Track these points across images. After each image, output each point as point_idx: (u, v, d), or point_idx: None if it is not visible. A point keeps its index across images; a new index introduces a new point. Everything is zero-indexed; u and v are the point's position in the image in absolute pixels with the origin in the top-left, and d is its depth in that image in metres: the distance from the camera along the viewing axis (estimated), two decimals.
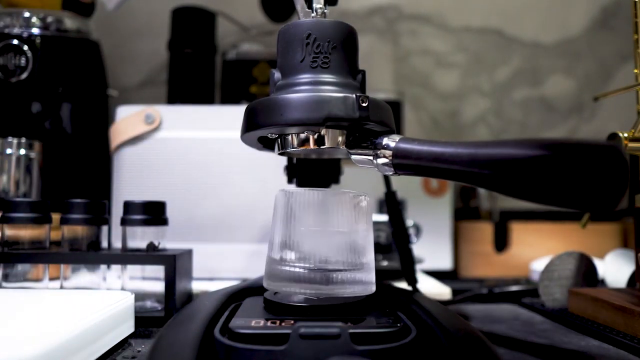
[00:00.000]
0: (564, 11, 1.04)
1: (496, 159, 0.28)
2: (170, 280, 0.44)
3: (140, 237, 0.46)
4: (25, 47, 0.68)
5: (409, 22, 1.03)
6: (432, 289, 0.55)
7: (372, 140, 0.35)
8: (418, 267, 0.58)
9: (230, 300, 0.38)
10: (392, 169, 0.34)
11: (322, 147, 0.35)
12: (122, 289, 0.47)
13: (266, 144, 0.40)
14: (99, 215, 0.47)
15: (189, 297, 0.49)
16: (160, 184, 0.60)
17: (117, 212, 0.59)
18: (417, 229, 0.74)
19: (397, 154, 0.33)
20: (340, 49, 0.36)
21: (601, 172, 0.25)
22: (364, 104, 0.33)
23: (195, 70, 0.83)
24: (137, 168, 0.60)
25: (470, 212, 0.89)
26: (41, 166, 0.65)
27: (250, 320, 0.31)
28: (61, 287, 0.46)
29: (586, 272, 0.53)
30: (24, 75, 0.68)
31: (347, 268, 0.33)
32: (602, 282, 0.59)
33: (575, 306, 0.49)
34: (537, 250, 0.82)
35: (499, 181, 0.28)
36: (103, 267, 0.47)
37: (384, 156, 0.34)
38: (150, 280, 0.47)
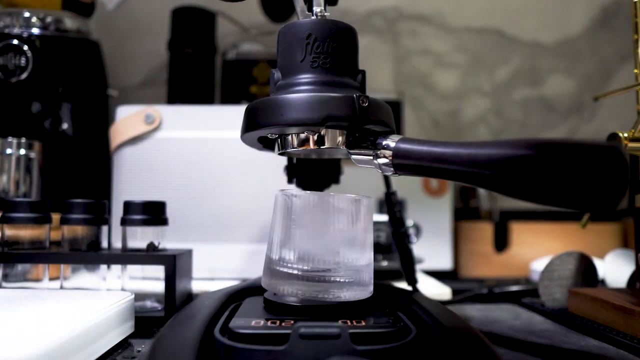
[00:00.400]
0: (564, 11, 1.04)
1: (496, 159, 0.28)
2: (170, 280, 0.44)
3: (140, 237, 0.46)
4: (25, 47, 0.68)
5: (409, 22, 1.03)
6: (432, 289, 0.55)
7: (372, 140, 0.35)
8: (418, 267, 0.58)
9: (230, 300, 0.38)
10: (392, 169, 0.34)
11: (322, 147, 0.35)
12: (122, 289, 0.47)
13: (266, 144, 0.40)
14: (99, 215, 0.46)
15: (189, 297, 0.49)
16: (160, 184, 0.60)
17: (117, 212, 0.59)
18: (417, 229, 0.74)
19: (397, 154, 0.33)
20: (341, 49, 0.36)
21: (601, 172, 0.25)
22: (364, 104, 0.33)
23: (195, 70, 0.83)
24: (137, 168, 0.61)
25: (470, 212, 0.89)
26: (41, 166, 0.65)
27: (250, 320, 0.31)
28: (61, 287, 0.46)
29: (586, 272, 0.53)
30: (24, 75, 0.68)
31: (346, 272, 0.33)
32: (602, 282, 0.59)
33: (575, 306, 0.49)
34: (537, 250, 0.82)
35: (498, 181, 0.28)
36: (103, 267, 0.47)
37: (384, 156, 0.34)
38: (150, 280, 0.47)
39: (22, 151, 0.63)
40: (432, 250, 0.80)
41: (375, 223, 0.63)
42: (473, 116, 1.03)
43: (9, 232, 0.46)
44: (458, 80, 1.03)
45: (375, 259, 0.61)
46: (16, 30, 0.69)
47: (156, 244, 0.46)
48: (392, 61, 1.02)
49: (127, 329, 0.38)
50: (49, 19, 0.70)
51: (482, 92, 1.03)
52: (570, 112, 1.04)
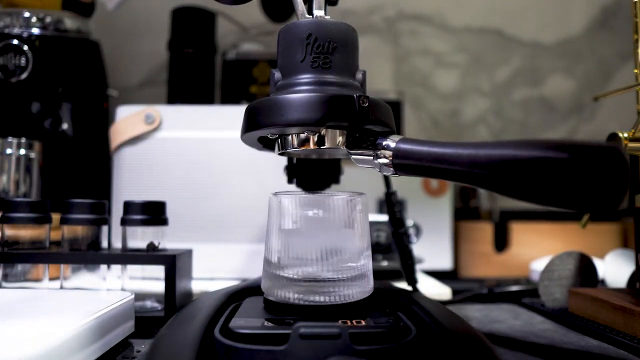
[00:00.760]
0: (564, 11, 1.04)
1: (496, 160, 0.28)
2: (170, 280, 0.44)
3: (140, 237, 0.46)
4: (25, 47, 0.68)
5: (409, 22, 1.03)
6: (432, 289, 0.55)
7: (372, 140, 0.35)
8: (418, 267, 0.58)
9: (230, 300, 0.38)
10: (392, 170, 0.34)
11: (322, 147, 0.35)
12: (122, 289, 0.47)
13: (266, 144, 0.40)
14: (99, 215, 0.46)
15: (189, 297, 0.49)
16: (160, 184, 0.60)
17: (117, 212, 0.59)
18: (417, 229, 0.74)
19: (398, 154, 0.33)
20: (341, 49, 0.36)
21: (602, 173, 0.25)
22: (364, 104, 0.33)
23: (195, 70, 0.83)
24: (137, 168, 0.61)
25: (470, 212, 0.89)
26: (41, 166, 0.65)
27: (250, 320, 0.31)
28: (61, 287, 0.46)
29: (586, 272, 0.53)
30: (24, 75, 0.68)
31: (344, 271, 0.33)
32: (602, 282, 0.59)
33: (575, 306, 0.49)
34: (537, 250, 0.82)
35: (499, 182, 0.28)
36: (103, 267, 0.47)
37: (384, 156, 0.34)
38: (150, 280, 0.47)
39: (22, 151, 0.63)
40: (432, 250, 0.80)
41: (375, 223, 0.63)
42: (473, 116, 1.03)
43: (9, 232, 0.46)
44: (458, 80, 1.03)
45: (375, 259, 0.62)
46: (16, 30, 0.69)
47: (156, 244, 0.46)
48: (392, 61, 1.02)
49: (127, 329, 0.38)
50: (49, 19, 0.70)
51: (482, 92, 1.03)
52: (570, 112, 1.04)
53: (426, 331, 0.31)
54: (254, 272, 0.57)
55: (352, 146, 0.36)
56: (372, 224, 0.63)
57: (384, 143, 0.34)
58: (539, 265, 0.71)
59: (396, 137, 0.34)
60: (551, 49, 1.04)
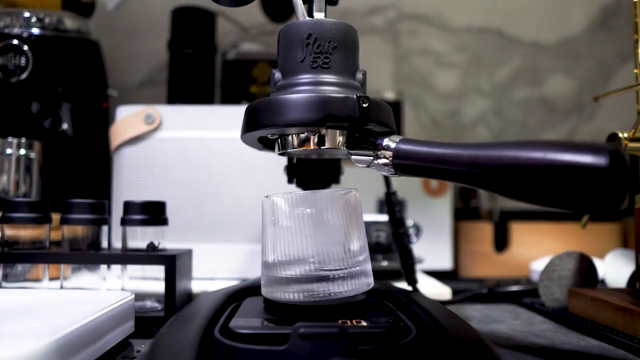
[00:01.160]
0: (564, 11, 1.04)
1: (496, 161, 0.28)
2: (170, 280, 0.44)
3: (140, 237, 0.46)
4: (25, 47, 0.68)
5: (409, 22, 1.03)
6: (432, 289, 0.55)
7: (372, 140, 0.35)
8: (418, 267, 0.58)
9: (230, 300, 0.38)
10: (393, 170, 0.34)
11: (322, 147, 0.35)
12: (122, 289, 0.47)
13: (266, 144, 0.40)
14: (99, 215, 0.46)
15: (189, 297, 0.49)
16: (160, 184, 0.60)
17: (117, 212, 0.59)
18: (417, 229, 0.74)
19: (398, 154, 0.33)
20: (341, 49, 0.36)
21: (602, 175, 0.25)
22: (364, 105, 0.33)
23: (195, 70, 0.83)
24: (137, 168, 0.61)
25: (470, 212, 0.89)
26: (41, 166, 0.65)
27: (250, 320, 0.31)
28: (61, 287, 0.46)
29: (586, 272, 0.53)
30: (24, 75, 0.68)
31: (342, 267, 0.33)
32: (602, 282, 0.59)
33: (575, 306, 0.49)
34: (537, 250, 0.82)
35: (499, 183, 0.28)
36: (103, 267, 0.47)
37: (385, 157, 0.34)
38: (150, 280, 0.47)
39: (22, 151, 0.63)
40: (432, 250, 0.80)
41: (375, 223, 0.63)
42: (473, 116, 1.03)
43: (9, 232, 0.46)
44: (458, 80, 1.03)
45: (375, 259, 0.62)
46: (16, 30, 0.69)
47: (156, 244, 0.46)
48: (392, 61, 1.02)
49: (127, 329, 0.38)
50: (49, 19, 0.70)
51: (482, 92, 1.03)
52: (570, 112, 1.04)
53: (426, 331, 0.31)
54: (254, 272, 0.57)
55: (352, 146, 0.36)
56: (372, 224, 0.63)
57: (384, 143, 0.34)
58: (539, 265, 0.71)
59: (396, 138, 0.34)
60: (551, 49, 1.04)
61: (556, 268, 0.52)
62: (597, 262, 0.55)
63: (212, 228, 0.60)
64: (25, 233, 0.46)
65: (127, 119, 0.61)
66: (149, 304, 0.47)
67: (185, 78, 0.83)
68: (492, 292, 0.58)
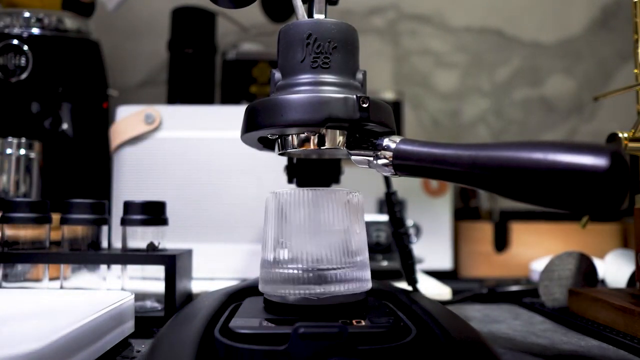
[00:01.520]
0: (564, 11, 1.04)
1: (497, 162, 0.28)
2: (170, 280, 0.44)
3: (140, 237, 0.46)
4: (25, 47, 0.68)
5: (409, 22, 1.03)
6: (432, 289, 0.55)
7: (372, 141, 0.35)
8: (418, 267, 0.58)
9: (230, 300, 0.38)
10: (392, 170, 0.34)
11: (322, 147, 0.35)
12: (122, 289, 0.47)
13: (266, 144, 0.40)
14: (99, 215, 0.47)
15: (189, 297, 0.49)
16: (160, 184, 0.60)
17: (117, 212, 0.59)
18: (417, 229, 0.74)
19: (398, 155, 0.33)
20: (341, 49, 0.36)
21: (602, 176, 0.25)
22: (364, 105, 0.33)
23: (195, 70, 0.83)
24: (137, 168, 0.61)
25: (470, 212, 0.89)
26: (41, 166, 0.65)
27: (250, 320, 0.31)
28: (61, 287, 0.46)
29: (586, 272, 0.53)
30: (24, 75, 0.68)
31: (341, 266, 0.33)
32: (602, 282, 0.59)
33: (575, 306, 0.49)
34: (537, 250, 0.82)
35: (499, 184, 0.28)
36: (103, 267, 0.47)
37: (385, 157, 0.34)
38: (150, 280, 0.47)
39: (22, 151, 0.63)
40: (432, 250, 0.80)
41: (375, 223, 0.63)
42: (473, 116, 1.03)
43: (9, 232, 0.46)
44: (458, 80, 1.03)
45: (375, 259, 0.62)
46: (16, 30, 0.69)
47: (156, 244, 0.46)
48: (392, 61, 1.02)
49: (127, 329, 0.38)
50: (49, 19, 0.70)
51: (482, 92, 1.03)
52: (570, 112, 1.04)
53: (426, 331, 0.31)
54: (254, 272, 0.57)
55: (352, 146, 0.36)
56: (372, 224, 0.63)
57: (384, 144, 0.34)
58: (539, 265, 0.71)
59: (396, 138, 0.34)
60: (551, 49, 1.04)
61: (556, 268, 0.52)
62: (597, 262, 0.55)
63: (212, 228, 0.60)
64: (25, 233, 0.46)
65: (127, 119, 0.61)
66: (149, 304, 0.47)
67: (185, 78, 0.83)
68: (492, 292, 0.58)
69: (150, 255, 0.45)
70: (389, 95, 0.90)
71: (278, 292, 0.33)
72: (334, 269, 0.33)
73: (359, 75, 0.37)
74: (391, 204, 0.48)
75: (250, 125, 0.36)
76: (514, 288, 0.59)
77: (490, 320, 0.49)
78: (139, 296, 0.46)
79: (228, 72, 0.85)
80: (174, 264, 0.44)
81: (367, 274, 0.35)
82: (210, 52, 0.85)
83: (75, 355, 0.30)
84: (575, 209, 0.26)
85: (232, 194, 0.60)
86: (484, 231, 0.85)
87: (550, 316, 0.49)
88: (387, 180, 0.48)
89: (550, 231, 0.84)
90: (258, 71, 0.83)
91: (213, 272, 0.59)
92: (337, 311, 0.33)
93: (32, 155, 0.64)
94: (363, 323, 0.31)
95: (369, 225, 0.62)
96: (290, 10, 0.83)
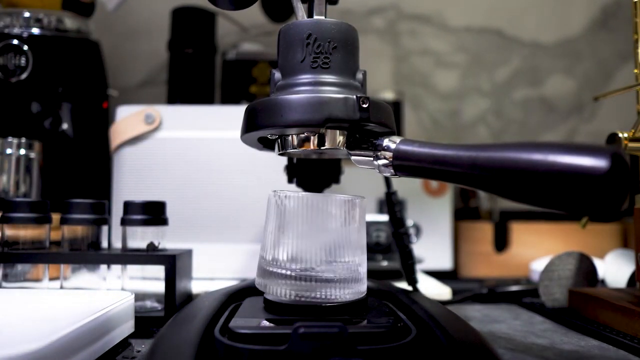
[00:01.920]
0: (564, 11, 1.04)
1: (497, 163, 0.28)
2: (170, 280, 0.44)
3: (140, 237, 0.46)
4: (25, 47, 0.68)
5: (409, 22, 1.03)
6: (432, 289, 0.55)
7: (372, 141, 0.35)
8: (418, 267, 0.58)
9: (230, 300, 0.38)
10: (392, 171, 0.34)
11: (322, 148, 0.35)
12: (122, 289, 0.47)
13: (266, 144, 0.40)
14: (99, 215, 0.47)
15: (189, 297, 0.49)
16: (160, 184, 0.60)
17: (117, 212, 0.59)
18: (417, 229, 0.74)
19: (398, 155, 0.33)
20: (341, 49, 0.36)
21: (602, 177, 0.25)
22: (364, 105, 0.33)
23: (195, 70, 0.83)
24: (137, 168, 0.61)
25: (470, 212, 0.89)
26: (41, 166, 0.65)
27: (250, 320, 0.31)
28: (61, 287, 0.46)
29: (586, 272, 0.53)
30: (24, 75, 0.68)
31: (337, 272, 0.33)
32: (602, 282, 0.59)
33: (575, 306, 0.49)
34: (537, 250, 0.82)
35: (499, 185, 0.28)
36: (103, 267, 0.47)
37: (385, 157, 0.34)
38: (150, 280, 0.47)
39: (22, 151, 0.63)
40: (432, 250, 0.80)
41: (375, 223, 0.63)
42: (473, 116, 1.03)
43: (9, 232, 0.46)
44: (458, 80, 1.03)
45: (375, 259, 0.62)
46: (16, 30, 0.69)
47: (156, 244, 0.46)
48: (392, 61, 1.02)
49: (127, 329, 0.38)
50: (48, 19, 0.70)
51: (482, 92, 1.03)
52: (570, 112, 1.04)
53: (426, 331, 0.31)
54: (254, 272, 0.57)
55: (352, 147, 0.36)
56: (372, 224, 0.63)
57: (384, 144, 0.34)
58: (539, 265, 0.71)
59: (396, 138, 0.34)
60: (551, 49, 1.04)
61: (556, 268, 0.52)
62: (597, 262, 0.55)
63: (212, 228, 0.60)
64: (25, 233, 0.46)
65: (127, 119, 0.61)
66: (149, 304, 0.47)
67: (185, 78, 0.83)
68: (492, 292, 0.58)
69: (150, 255, 0.45)
70: (389, 95, 0.90)
71: (273, 290, 0.33)
72: (330, 272, 0.33)
73: (359, 75, 0.37)
74: (391, 204, 0.48)
75: (250, 125, 0.36)
76: (514, 288, 0.59)
77: (490, 320, 0.49)
78: (139, 296, 0.46)
79: (228, 72, 0.85)
80: (174, 264, 0.44)
81: (363, 282, 0.35)
82: (210, 52, 0.85)
83: (75, 355, 0.30)
84: (575, 211, 0.26)
85: (232, 194, 0.60)
86: (484, 231, 0.85)
87: (550, 316, 0.49)
88: (387, 180, 0.48)
89: (550, 231, 0.84)
90: (258, 71, 0.83)
91: (213, 272, 0.59)
92: (337, 311, 0.33)
93: (32, 155, 0.64)
94: (363, 323, 0.31)
95: (369, 225, 0.62)
96: (290, 10, 0.83)
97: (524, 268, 0.80)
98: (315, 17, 0.38)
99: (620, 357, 0.37)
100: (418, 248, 0.67)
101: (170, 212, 0.49)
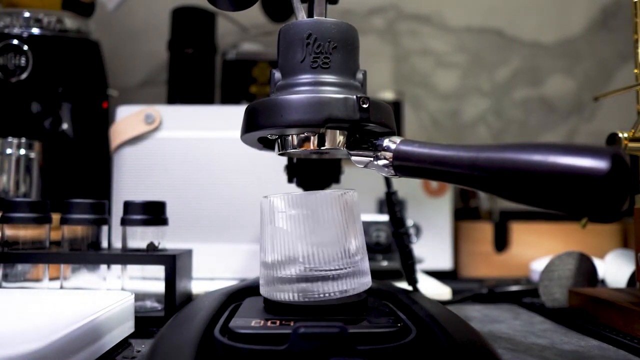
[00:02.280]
0: (564, 11, 1.04)
1: (497, 164, 0.28)
2: (170, 280, 0.44)
3: (140, 237, 0.46)
4: (25, 47, 0.68)
5: (409, 22, 1.03)
6: (432, 289, 0.55)
7: (372, 141, 0.35)
8: (418, 267, 0.58)
9: (230, 300, 0.38)
10: (392, 171, 0.34)
11: (322, 148, 0.35)
12: (122, 289, 0.47)
13: (266, 144, 0.40)
14: (99, 215, 0.47)
15: (189, 297, 0.49)
16: (160, 184, 0.60)
17: (117, 212, 0.59)
18: (417, 229, 0.74)
19: (398, 156, 0.33)
20: (341, 49, 0.36)
21: (603, 178, 0.25)
22: (364, 105, 0.33)
23: (195, 70, 0.83)
24: (137, 168, 0.61)
25: (470, 212, 0.89)
26: (41, 166, 0.65)
27: (250, 320, 0.31)
28: (61, 287, 0.46)
29: (586, 272, 0.53)
30: (24, 75, 0.68)
31: (339, 267, 0.33)
32: (602, 282, 0.59)
33: (575, 306, 0.49)
34: (537, 250, 0.82)
35: (499, 186, 0.28)
36: (103, 267, 0.47)
37: (385, 158, 0.34)
38: (150, 280, 0.47)
39: (22, 151, 0.63)
40: (432, 250, 0.80)
41: (375, 223, 0.63)
42: (473, 116, 1.03)
43: (9, 232, 0.46)
44: (458, 80, 1.03)
45: (375, 259, 0.62)
46: (16, 30, 0.69)
47: (156, 244, 0.46)
48: (392, 61, 1.02)
49: (127, 329, 0.38)
50: (49, 19, 0.70)
51: (482, 92, 1.03)
52: (570, 112, 1.04)
53: (426, 331, 0.31)
54: (254, 272, 0.57)
55: (352, 147, 0.36)
56: (372, 224, 0.63)
57: (384, 144, 0.34)
58: (539, 265, 0.71)
59: (397, 139, 0.34)
60: (551, 49, 1.04)
61: (556, 268, 0.52)
62: (597, 262, 0.55)
63: (212, 228, 0.60)
64: (25, 233, 0.46)
65: (127, 119, 0.61)
66: (149, 304, 0.47)
67: (185, 78, 0.83)
68: (492, 292, 0.58)
69: (150, 255, 0.45)
70: (389, 95, 0.90)
71: (277, 295, 0.33)
72: (330, 270, 0.33)
73: (359, 75, 0.37)
74: (391, 204, 0.48)
75: (250, 125, 0.36)
76: (514, 288, 0.59)
77: (490, 320, 0.49)
78: (139, 296, 0.46)
79: (228, 72, 0.85)
80: (174, 264, 0.44)
81: (366, 273, 0.35)
82: (210, 52, 0.85)
83: (75, 355, 0.30)
84: (576, 212, 0.26)
85: (232, 194, 0.60)
86: (484, 231, 0.85)
87: (550, 316, 0.49)
88: (387, 180, 0.48)
89: (550, 231, 0.84)
90: (258, 71, 0.83)
91: (213, 272, 0.59)
92: (337, 311, 0.33)
93: (32, 155, 0.64)
94: (363, 323, 0.31)
95: (369, 225, 0.62)
96: (290, 10, 0.83)
97: (524, 268, 0.80)
98: (315, 17, 0.38)
99: (620, 357, 0.37)
100: (418, 248, 0.67)
101: (170, 212, 0.49)
